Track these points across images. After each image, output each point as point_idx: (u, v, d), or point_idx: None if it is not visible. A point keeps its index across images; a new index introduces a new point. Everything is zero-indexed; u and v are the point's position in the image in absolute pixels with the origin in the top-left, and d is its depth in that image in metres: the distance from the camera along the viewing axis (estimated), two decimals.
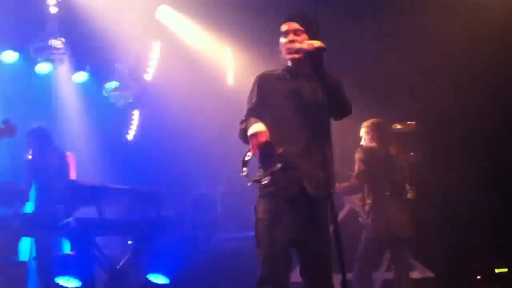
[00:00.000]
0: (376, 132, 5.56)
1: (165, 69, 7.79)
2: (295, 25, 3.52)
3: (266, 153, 3.30)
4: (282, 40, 3.54)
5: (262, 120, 3.37)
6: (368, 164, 5.32)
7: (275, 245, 3.32)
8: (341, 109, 3.50)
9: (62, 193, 5.63)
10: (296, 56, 3.47)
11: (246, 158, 3.30)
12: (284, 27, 3.55)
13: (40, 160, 6.07)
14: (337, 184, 5.44)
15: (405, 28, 6.53)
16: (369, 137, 5.54)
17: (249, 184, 3.33)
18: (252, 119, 3.37)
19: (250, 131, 3.29)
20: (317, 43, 3.32)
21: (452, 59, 6.42)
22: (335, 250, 3.16)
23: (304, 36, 3.47)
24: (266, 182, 3.26)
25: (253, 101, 3.53)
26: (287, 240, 3.35)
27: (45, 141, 6.17)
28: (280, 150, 3.26)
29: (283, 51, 3.55)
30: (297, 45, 3.41)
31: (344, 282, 3.10)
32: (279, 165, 3.22)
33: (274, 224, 3.35)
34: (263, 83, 3.55)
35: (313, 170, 3.37)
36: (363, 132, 5.58)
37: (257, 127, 3.29)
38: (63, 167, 6.09)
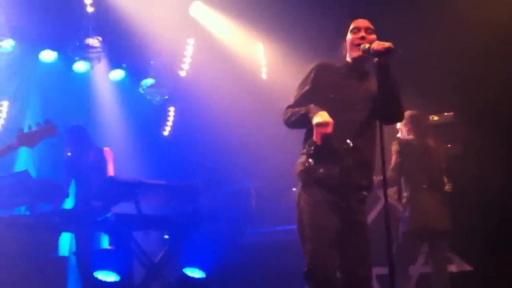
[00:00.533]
0: (414, 124, 5.50)
1: (199, 65, 7.84)
2: (367, 23, 3.54)
3: (326, 145, 3.23)
4: (350, 36, 3.55)
5: None
6: (404, 157, 5.26)
7: (322, 236, 3.30)
8: (394, 115, 3.49)
9: (100, 189, 5.75)
10: (363, 54, 3.45)
11: (311, 150, 3.27)
12: (355, 24, 3.55)
13: (78, 157, 6.21)
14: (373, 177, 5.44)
15: (442, 17, 6.41)
16: (407, 129, 5.49)
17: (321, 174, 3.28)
18: (313, 106, 3.31)
19: (316, 119, 3.23)
20: (387, 44, 3.31)
21: (491, 47, 6.27)
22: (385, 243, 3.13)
23: (373, 36, 3.49)
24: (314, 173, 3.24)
25: (306, 88, 3.50)
26: (334, 231, 3.32)
27: (82, 138, 6.30)
28: (348, 143, 3.26)
29: (350, 47, 3.54)
30: (366, 45, 3.39)
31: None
32: (351, 160, 3.22)
33: (320, 215, 3.32)
34: (320, 72, 3.52)
35: (357, 169, 3.37)
36: (400, 124, 5.53)
37: (323, 116, 3.22)
38: (101, 163, 6.22)
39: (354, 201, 3.42)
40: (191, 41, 7.87)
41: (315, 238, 3.30)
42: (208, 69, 7.70)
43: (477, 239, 5.92)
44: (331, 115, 3.26)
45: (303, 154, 3.44)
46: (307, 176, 3.38)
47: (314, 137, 3.21)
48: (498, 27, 6.17)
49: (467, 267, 5.90)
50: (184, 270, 5.82)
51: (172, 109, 8.27)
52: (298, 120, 3.39)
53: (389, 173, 5.33)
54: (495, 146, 6.22)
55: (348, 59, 3.60)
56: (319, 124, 3.20)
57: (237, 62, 7.69)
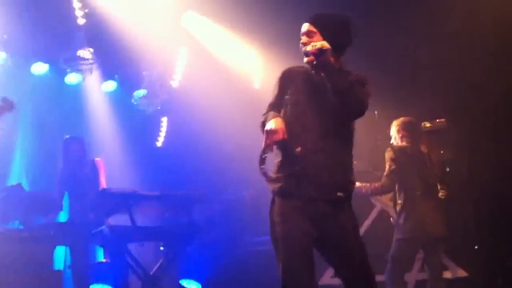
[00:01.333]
0: (407, 130, 5.51)
1: (192, 75, 7.85)
2: (307, 27, 3.46)
3: (284, 151, 3.24)
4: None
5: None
6: (399, 164, 5.27)
7: (295, 250, 3.21)
8: (352, 109, 3.36)
9: (94, 201, 5.72)
10: (308, 59, 3.37)
11: (264, 155, 3.22)
12: (301, 30, 3.50)
13: (72, 170, 6.18)
14: (367, 184, 5.44)
15: (434, 23, 6.45)
16: (400, 135, 5.49)
17: (267, 183, 3.26)
18: (271, 113, 3.32)
19: (267, 126, 3.23)
20: (319, 44, 3.26)
21: (482, 53, 6.32)
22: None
23: (317, 37, 3.39)
24: (279, 182, 3.21)
25: (275, 95, 3.49)
26: (307, 242, 3.24)
27: (78, 150, 6.28)
28: (298, 149, 3.21)
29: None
30: (306, 48, 3.34)
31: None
32: (297, 166, 3.18)
33: (290, 226, 3.25)
34: (286, 78, 3.50)
35: (328, 170, 3.30)
36: (393, 131, 5.53)
37: (275, 123, 3.22)
38: (94, 175, 6.19)
39: (326, 204, 3.31)
40: (183, 51, 7.88)
41: (287, 252, 3.21)
42: (201, 79, 7.70)
43: (472, 245, 5.95)
44: (302, 117, 3.29)
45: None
46: (275, 187, 3.32)
47: (263, 143, 3.21)
48: (491, 33, 6.21)
49: (463, 273, 5.92)
50: (180, 281, 5.80)
51: (165, 119, 8.26)
52: (262, 128, 3.38)
53: (383, 180, 5.35)
54: (487, 151, 6.26)
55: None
56: (268, 132, 3.20)
57: (229, 72, 7.71)
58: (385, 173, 5.35)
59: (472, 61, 6.33)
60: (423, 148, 5.55)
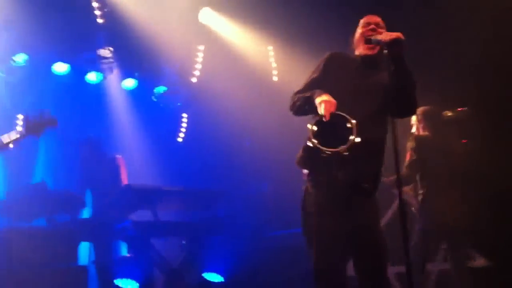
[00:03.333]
0: (428, 120, 5.43)
1: (210, 71, 7.87)
2: (378, 19, 3.54)
3: (329, 123, 3.15)
4: (360, 30, 3.55)
5: None
6: (420, 153, 5.20)
7: (328, 241, 3.23)
8: (407, 108, 3.40)
9: (118, 197, 5.79)
10: (372, 48, 3.44)
11: (314, 128, 3.16)
12: (366, 19, 3.56)
13: (92, 168, 6.25)
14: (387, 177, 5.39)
15: (458, 10, 6.35)
16: (422, 125, 5.41)
17: (327, 153, 3.13)
18: (319, 90, 3.29)
19: (320, 98, 3.20)
20: (395, 34, 3.27)
21: (507, 41, 6.20)
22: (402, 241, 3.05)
23: (384, 31, 3.45)
24: (344, 152, 3.10)
25: (315, 75, 3.48)
26: (340, 233, 3.27)
27: (96, 149, 6.34)
28: (354, 122, 3.12)
29: (359, 40, 3.53)
30: (377, 36, 3.36)
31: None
32: (356, 138, 3.08)
33: (325, 218, 3.26)
34: (331, 62, 3.50)
35: (364, 161, 3.29)
36: (414, 120, 5.44)
37: (328, 96, 3.20)
38: (115, 172, 6.24)
39: (358, 193, 3.33)
40: (201, 47, 7.91)
41: (321, 244, 3.24)
42: (219, 74, 7.72)
43: (497, 235, 5.86)
44: (339, 105, 3.21)
45: (306, 143, 3.33)
46: (312, 161, 3.29)
47: (324, 113, 3.13)
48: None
49: (488, 263, 5.84)
50: (203, 275, 5.84)
51: (185, 115, 8.31)
52: (302, 104, 3.35)
53: (404, 171, 5.27)
54: (509, 142, 6.16)
55: (357, 53, 3.57)
56: (323, 102, 3.16)
57: (248, 66, 7.71)
58: (405, 163, 5.29)
59: (495, 49, 6.21)
60: (446, 138, 5.47)
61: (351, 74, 3.45)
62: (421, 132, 5.41)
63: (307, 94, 3.33)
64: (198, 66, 7.94)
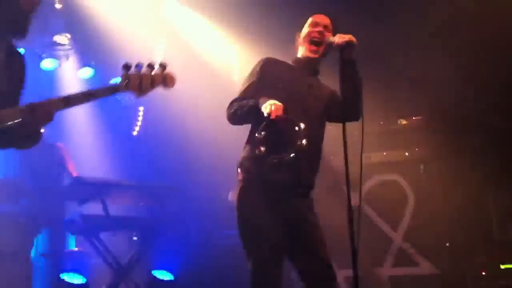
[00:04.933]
0: None
1: (171, 66, 7.76)
2: (327, 20, 3.47)
3: (285, 129, 3.09)
4: (307, 29, 3.48)
5: None
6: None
7: (263, 248, 3.17)
8: (355, 111, 3.34)
9: (67, 189, 5.65)
10: (316, 51, 3.40)
11: (261, 135, 3.09)
12: (314, 18, 3.49)
13: (30, 154, 5.99)
14: None
15: (413, 18, 6.45)
16: None
17: (273, 162, 3.09)
18: (262, 97, 3.17)
19: (268, 102, 3.07)
20: (348, 37, 3.23)
21: (463, 49, 6.32)
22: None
23: (329, 34, 3.40)
24: (290, 158, 3.03)
25: (252, 80, 3.39)
26: (275, 238, 3.20)
27: None
28: (302, 125, 3.06)
29: (305, 40, 3.46)
30: (330, 38, 3.31)
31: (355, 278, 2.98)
32: (304, 142, 3.03)
33: (259, 222, 3.20)
34: (267, 66, 3.42)
35: (304, 167, 3.29)
36: None
37: (275, 102, 3.09)
38: (56, 160, 6.01)
39: (298, 197, 3.32)
40: (162, 40, 7.80)
41: (256, 250, 3.20)
42: (179, 70, 7.58)
43: (443, 242, 6.00)
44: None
45: (248, 146, 3.31)
46: (254, 166, 3.23)
47: (270, 115, 3.04)
48: (471, 29, 6.21)
49: (434, 270, 5.97)
50: (153, 272, 5.77)
51: (141, 108, 8.18)
52: (245, 113, 3.24)
53: None
54: (461, 150, 6.30)
55: (300, 55, 3.51)
56: (274, 106, 3.06)
57: (208, 64, 7.66)
58: None
59: (452, 58, 6.33)
60: None
61: (289, 78, 3.38)
62: None
63: (250, 102, 3.23)
64: (158, 59, 7.81)
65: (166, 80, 2.85)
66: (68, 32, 7.13)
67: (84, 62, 7.53)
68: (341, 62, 3.23)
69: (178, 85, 7.63)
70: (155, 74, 2.81)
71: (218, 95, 7.36)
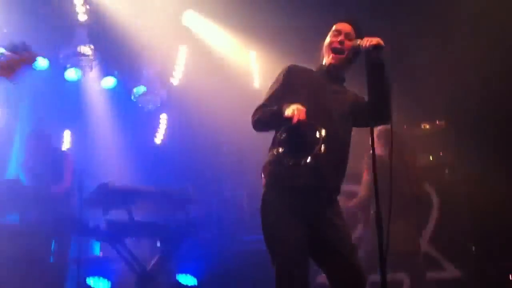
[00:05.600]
0: (386, 138, 5.19)
1: (191, 73, 7.85)
2: (349, 28, 3.45)
3: (305, 133, 3.09)
4: (329, 39, 3.48)
5: None
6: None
7: (290, 250, 3.15)
8: (384, 114, 3.32)
9: (93, 195, 5.71)
10: (341, 56, 3.40)
11: (282, 137, 3.10)
12: (336, 26, 3.49)
13: (37, 161, 6.08)
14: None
15: (438, 24, 6.42)
16: (381, 143, 5.13)
17: (289, 164, 3.09)
18: (285, 103, 3.17)
19: (290, 108, 3.07)
20: (376, 40, 3.22)
21: (487, 56, 6.27)
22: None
23: (352, 42, 3.39)
24: (305, 163, 3.02)
25: (276, 88, 3.39)
26: (302, 241, 3.19)
27: (43, 142, 6.19)
28: (323, 131, 3.04)
29: (326, 49, 3.47)
30: (357, 41, 3.29)
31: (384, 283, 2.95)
32: (323, 149, 3.01)
33: (286, 226, 3.18)
34: (292, 73, 3.42)
35: (329, 173, 3.28)
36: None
37: (297, 105, 3.09)
38: (58, 167, 6.08)
39: (323, 202, 3.30)
40: (183, 49, 7.88)
41: (282, 253, 3.17)
42: (201, 77, 7.70)
43: (469, 246, 5.94)
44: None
45: (272, 151, 3.30)
46: (275, 169, 3.23)
47: (293, 119, 3.04)
48: (496, 35, 6.17)
49: (459, 273, 5.91)
50: (176, 276, 5.79)
51: (164, 116, 8.26)
52: (268, 119, 3.25)
53: (362, 193, 5.12)
54: (486, 154, 6.24)
55: (324, 62, 3.51)
56: (296, 110, 3.05)
57: (229, 71, 7.71)
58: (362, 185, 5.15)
59: (475, 62, 6.29)
60: (407, 160, 5.25)
61: (314, 85, 3.38)
62: (379, 150, 5.20)
63: (274, 108, 3.23)
64: (180, 68, 7.91)
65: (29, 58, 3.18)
66: (91, 43, 7.23)
67: (107, 72, 7.63)
68: (368, 65, 3.23)
69: (199, 92, 7.72)
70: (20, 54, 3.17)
71: (238, 101, 7.42)
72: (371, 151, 4.88)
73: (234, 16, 7.15)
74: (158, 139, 8.12)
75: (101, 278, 5.32)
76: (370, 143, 3.20)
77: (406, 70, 6.60)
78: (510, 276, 5.64)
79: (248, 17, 7.03)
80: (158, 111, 8.18)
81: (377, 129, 5.13)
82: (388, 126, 5.15)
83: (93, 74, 7.50)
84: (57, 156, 6.22)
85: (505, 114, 6.28)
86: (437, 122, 6.80)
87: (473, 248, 5.91)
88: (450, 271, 5.89)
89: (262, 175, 3.37)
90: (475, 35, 6.26)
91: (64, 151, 6.32)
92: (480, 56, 6.22)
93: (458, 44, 6.41)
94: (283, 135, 3.12)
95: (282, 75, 3.43)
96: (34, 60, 3.32)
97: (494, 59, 6.17)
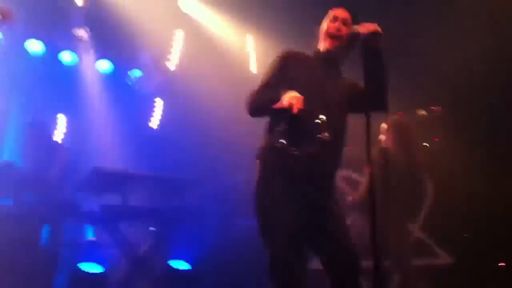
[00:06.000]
0: (399, 134, 5.14)
1: (188, 58, 7.81)
2: (346, 14, 3.42)
3: (305, 121, 3.09)
4: (326, 24, 3.44)
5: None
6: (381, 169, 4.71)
7: (283, 236, 3.14)
8: (381, 102, 3.33)
9: (87, 179, 5.70)
10: (336, 42, 3.37)
11: (283, 128, 3.09)
12: (333, 12, 3.45)
13: (32, 150, 6.08)
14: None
15: (434, 9, 6.39)
16: (391, 139, 5.11)
17: (294, 154, 3.11)
18: (282, 89, 3.14)
19: (288, 94, 3.06)
20: (373, 26, 3.20)
21: (480, 41, 6.24)
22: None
23: (348, 29, 3.37)
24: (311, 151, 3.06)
25: (272, 74, 3.36)
26: (296, 227, 3.19)
27: (39, 132, 6.18)
28: (323, 117, 3.05)
29: (324, 35, 3.43)
30: (354, 27, 3.26)
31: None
32: (326, 134, 3.03)
33: (280, 211, 3.17)
34: (287, 59, 3.39)
35: (326, 156, 3.26)
36: (383, 130, 5.14)
37: (294, 93, 3.07)
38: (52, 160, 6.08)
39: (319, 189, 3.29)
40: (179, 33, 7.83)
41: (274, 238, 3.16)
42: (197, 62, 7.66)
43: (462, 233, 5.95)
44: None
45: (268, 137, 3.30)
46: (275, 158, 3.21)
47: (293, 108, 3.03)
48: (493, 26, 6.13)
49: (452, 261, 5.93)
50: (169, 262, 5.80)
51: (159, 101, 8.23)
52: (265, 106, 3.22)
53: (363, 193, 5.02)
54: (482, 141, 6.24)
55: (320, 48, 3.48)
56: (290, 98, 3.04)
57: (226, 55, 7.67)
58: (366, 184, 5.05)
59: (470, 48, 6.25)
60: (417, 159, 5.19)
61: (310, 72, 3.36)
62: (389, 144, 5.10)
63: (270, 95, 3.20)
64: (176, 52, 7.86)
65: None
66: (87, 26, 7.19)
67: (103, 55, 7.59)
68: (365, 52, 3.21)
69: (196, 76, 7.68)
70: None
71: (235, 85, 7.39)
72: (382, 145, 4.89)
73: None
74: (154, 123, 8.09)
75: (94, 263, 5.32)
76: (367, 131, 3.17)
77: (402, 56, 6.56)
78: (502, 263, 5.66)
79: (244, 1, 6.98)
80: (154, 95, 8.15)
81: (389, 120, 5.13)
82: (401, 119, 5.20)
83: (88, 57, 7.47)
84: (52, 147, 6.20)
85: (501, 101, 6.26)
86: (433, 108, 6.77)
87: (466, 235, 5.91)
88: (443, 258, 5.90)
89: (257, 161, 3.35)
90: (473, 20, 6.22)
91: (58, 143, 6.29)
92: (480, 41, 6.18)
93: (454, 29, 6.37)
94: (284, 126, 3.11)
95: (277, 60, 3.40)
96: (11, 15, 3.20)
97: (495, 43, 6.13)
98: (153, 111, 8.07)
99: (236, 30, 7.62)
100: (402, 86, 6.43)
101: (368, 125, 3.17)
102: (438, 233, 5.92)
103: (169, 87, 8.00)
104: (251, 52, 7.94)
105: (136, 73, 7.76)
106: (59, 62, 7.29)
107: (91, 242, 5.85)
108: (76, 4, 6.83)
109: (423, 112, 6.78)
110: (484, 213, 5.92)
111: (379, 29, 3.21)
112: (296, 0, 6.69)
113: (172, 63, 7.89)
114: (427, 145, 6.48)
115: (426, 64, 6.54)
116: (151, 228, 5.89)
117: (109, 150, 6.97)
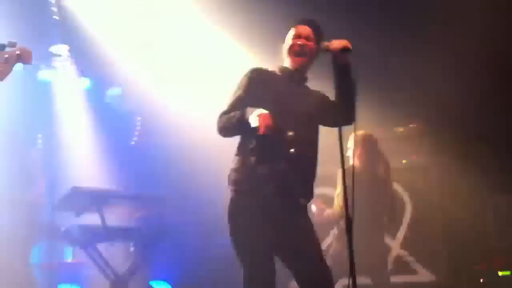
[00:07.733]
0: (366, 148, 5.14)
1: (170, 72, 7.77)
2: (308, 31, 3.47)
3: (273, 138, 3.13)
4: (290, 41, 3.48)
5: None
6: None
7: (256, 256, 3.21)
8: (349, 116, 3.38)
9: (65, 199, 5.62)
10: (303, 59, 3.42)
11: (251, 146, 3.16)
12: (296, 30, 3.49)
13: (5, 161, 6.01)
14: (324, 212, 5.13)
15: (409, 28, 6.46)
16: (358, 153, 5.11)
17: (263, 171, 3.17)
18: (249, 108, 3.20)
19: (255, 114, 3.11)
20: (344, 42, 3.24)
21: (462, 60, 6.32)
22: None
23: (312, 44, 3.43)
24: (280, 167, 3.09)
25: (239, 93, 3.40)
26: (269, 247, 3.24)
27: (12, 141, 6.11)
28: (291, 133, 3.13)
29: (289, 53, 3.47)
30: (325, 43, 3.29)
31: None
32: (292, 150, 3.10)
33: (252, 232, 3.23)
34: (254, 78, 3.43)
35: (296, 175, 3.30)
36: (350, 144, 5.16)
37: (262, 110, 3.12)
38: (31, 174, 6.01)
39: (291, 205, 3.33)
40: (160, 48, 7.79)
41: (249, 258, 3.23)
42: (177, 77, 7.63)
43: (441, 249, 6.00)
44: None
45: (238, 157, 3.35)
46: (245, 178, 3.27)
47: (258, 128, 3.06)
48: (470, 40, 6.20)
49: (431, 277, 5.96)
50: (150, 283, 5.74)
51: (139, 118, 8.18)
52: (233, 125, 3.27)
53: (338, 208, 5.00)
54: (459, 157, 6.30)
55: (285, 64, 3.52)
56: (263, 116, 3.08)
57: (207, 74, 7.64)
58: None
59: (451, 63, 6.32)
60: (380, 173, 5.19)
61: (277, 89, 3.40)
62: (356, 160, 5.11)
63: (238, 115, 3.24)
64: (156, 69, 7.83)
65: (21, 56, 3.05)
66: (65, 43, 7.14)
67: (82, 73, 7.54)
68: (335, 66, 3.26)
69: (175, 94, 7.63)
70: (8, 53, 2.96)
71: (216, 102, 7.37)
72: (350, 164, 4.89)
73: (211, 13, 7.10)
74: (133, 141, 8.03)
75: (73, 284, 5.25)
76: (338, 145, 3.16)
77: (380, 73, 6.63)
78: (482, 279, 5.70)
79: (224, 15, 6.98)
80: (133, 113, 8.10)
81: (356, 135, 5.10)
82: (366, 133, 5.24)
83: (67, 74, 7.41)
84: (30, 161, 6.13)
85: (478, 118, 6.34)
86: (411, 125, 6.83)
87: (446, 252, 5.95)
88: (423, 275, 5.94)
89: (228, 182, 3.39)
90: (451, 37, 6.31)
91: (36, 156, 6.21)
92: (457, 57, 6.26)
93: (433, 47, 6.45)
94: (252, 144, 3.16)
95: (244, 79, 3.45)
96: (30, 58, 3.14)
97: (473, 59, 6.21)
98: (134, 129, 8.03)
99: (217, 43, 7.61)
100: (381, 103, 6.54)
101: (340, 139, 3.18)
102: (418, 250, 5.95)
103: (148, 103, 7.95)
104: (232, 65, 7.92)
105: (114, 91, 7.72)
106: (37, 80, 7.22)
107: (70, 263, 5.76)
108: (53, 18, 6.76)
109: (401, 129, 6.84)
110: (464, 230, 5.97)
111: (349, 45, 3.25)
112: (279, 13, 6.69)
113: (151, 80, 7.84)
114: (405, 161, 6.53)
115: (405, 81, 6.60)
116: (132, 248, 5.82)
117: (88, 169, 6.89)
